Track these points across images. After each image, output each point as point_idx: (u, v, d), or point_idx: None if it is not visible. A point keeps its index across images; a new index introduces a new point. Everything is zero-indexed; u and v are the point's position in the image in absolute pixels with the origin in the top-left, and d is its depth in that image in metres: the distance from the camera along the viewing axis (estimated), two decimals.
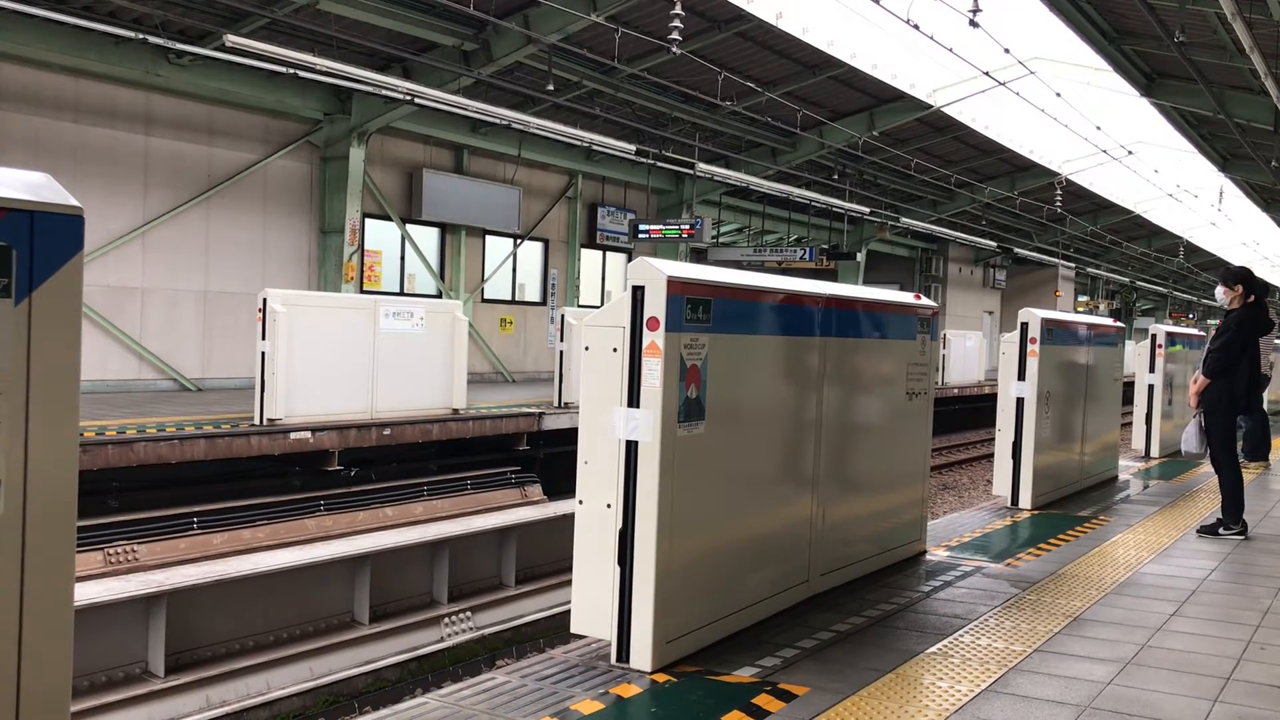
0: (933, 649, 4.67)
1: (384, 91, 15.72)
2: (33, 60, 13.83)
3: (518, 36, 15.64)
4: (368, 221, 18.37)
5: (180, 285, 15.88)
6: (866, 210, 27.30)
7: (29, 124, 14.01)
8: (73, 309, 1.97)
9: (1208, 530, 7.71)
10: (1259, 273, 8.49)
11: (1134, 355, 13.68)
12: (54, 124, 14.28)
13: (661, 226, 22.12)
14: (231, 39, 13.28)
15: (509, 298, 21.85)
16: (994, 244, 35.35)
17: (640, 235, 22.16)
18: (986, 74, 18.49)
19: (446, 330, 13.31)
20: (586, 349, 4.35)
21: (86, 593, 6.79)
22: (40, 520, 1.93)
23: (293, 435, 11.24)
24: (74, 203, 1.97)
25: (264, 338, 11.48)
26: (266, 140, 16.89)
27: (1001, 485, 8.62)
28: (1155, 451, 12.70)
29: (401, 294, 19.00)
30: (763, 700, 3.95)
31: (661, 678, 4.14)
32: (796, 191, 24.92)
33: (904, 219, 29.57)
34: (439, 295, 19.69)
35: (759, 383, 4.92)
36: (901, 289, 28.47)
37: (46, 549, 1.95)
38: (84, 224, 1.99)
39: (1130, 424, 13.37)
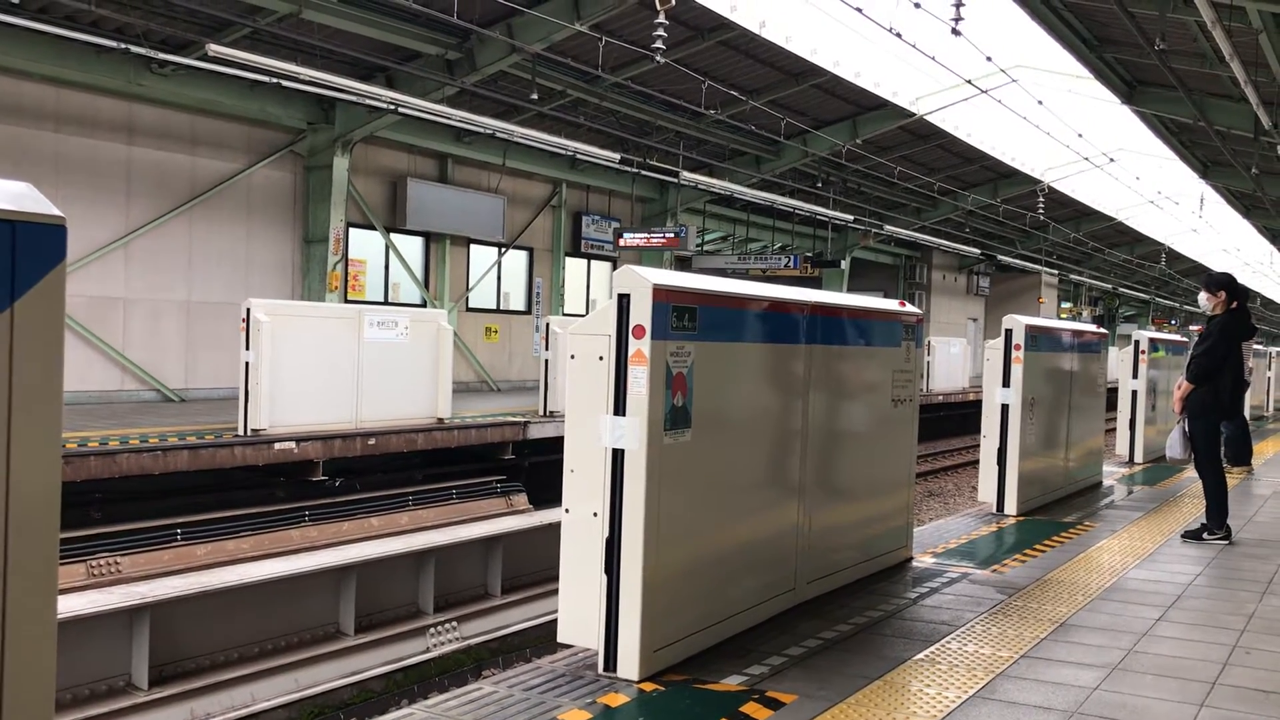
0: (920, 656, 4.68)
1: (368, 101, 15.70)
2: (13, 70, 13.76)
3: (501, 45, 15.64)
4: (352, 231, 18.33)
5: (163, 295, 15.81)
6: (850, 218, 27.38)
7: (9, 133, 13.92)
8: (55, 320, 1.95)
9: (1192, 535, 7.75)
10: (1240, 279, 8.54)
11: (1117, 361, 13.74)
12: (35, 133, 14.21)
13: (645, 235, 22.14)
14: (214, 48, 13.23)
15: (494, 306, 21.82)
16: (977, 251, 35.52)
17: (624, 244, 22.17)
18: (969, 82, 18.58)
19: (431, 339, 13.28)
20: (572, 357, 4.35)
21: (69, 605, 6.74)
22: (22, 532, 1.91)
23: (277, 446, 11.19)
24: (56, 212, 1.95)
25: (248, 348, 11.44)
26: (250, 150, 16.84)
27: (987, 491, 8.63)
28: (1139, 457, 12.75)
29: (386, 303, 18.96)
30: (750, 708, 3.94)
31: (649, 687, 4.13)
32: (780, 199, 24.98)
33: (888, 226, 29.68)
34: (423, 304, 19.65)
35: (745, 390, 4.92)
36: (886, 296, 28.54)
37: (28, 561, 1.93)
38: (66, 234, 1.97)
39: (1114, 430, 13.43)
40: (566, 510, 4.34)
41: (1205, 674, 4.56)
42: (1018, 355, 8.32)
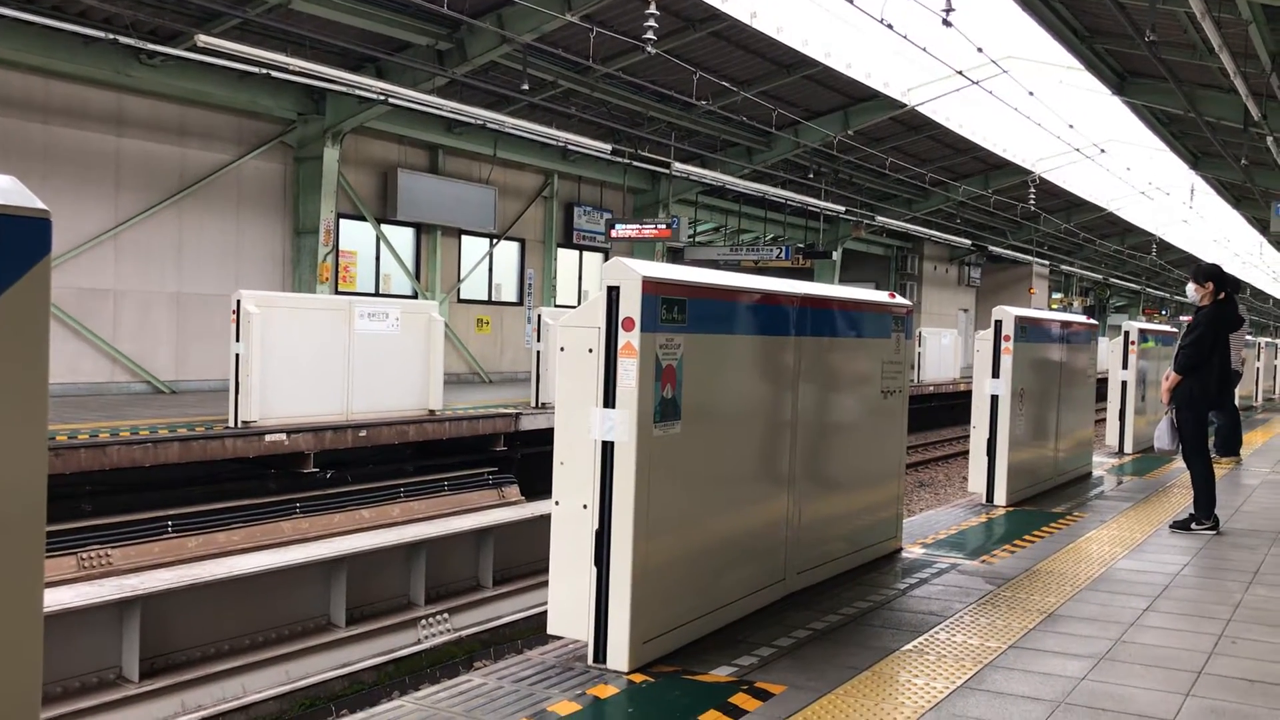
0: (908, 646, 4.69)
1: (358, 91, 15.66)
2: (0, 60, 13.68)
3: (492, 36, 15.60)
4: (342, 222, 18.29)
5: (153, 287, 15.76)
6: (842, 209, 27.39)
7: None
8: (40, 313, 1.95)
9: (1180, 525, 7.78)
10: (1230, 269, 8.57)
11: (1107, 352, 13.78)
12: (23, 125, 14.14)
13: (637, 226, 22.14)
14: (203, 39, 13.18)
15: (485, 298, 21.80)
16: (969, 242, 35.56)
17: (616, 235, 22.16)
18: (960, 73, 18.59)
19: (422, 331, 13.26)
20: (562, 349, 4.35)
21: (59, 598, 6.74)
22: (9, 525, 1.91)
23: (268, 437, 11.17)
24: (41, 206, 1.95)
25: (238, 339, 11.42)
26: (240, 141, 16.78)
27: (977, 482, 8.65)
28: (1129, 447, 12.80)
29: (377, 294, 18.93)
30: (740, 699, 3.95)
31: (638, 678, 4.14)
32: (772, 191, 24.98)
33: (879, 217, 29.71)
34: (415, 296, 19.62)
35: (734, 382, 4.93)
36: (877, 287, 28.62)
37: (15, 554, 1.93)
38: (51, 227, 1.97)
39: (1104, 420, 13.47)
40: (556, 502, 4.34)
41: (1192, 663, 4.59)
42: (1007, 346, 8.33)
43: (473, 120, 17.59)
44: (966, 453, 9.79)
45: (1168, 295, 59.41)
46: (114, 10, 13.79)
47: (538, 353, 14.84)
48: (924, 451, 22.57)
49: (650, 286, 4.13)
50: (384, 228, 19.25)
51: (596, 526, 4.19)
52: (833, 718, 3.81)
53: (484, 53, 16.05)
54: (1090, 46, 17.12)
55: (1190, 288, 7.92)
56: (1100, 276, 49.13)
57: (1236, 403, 13.09)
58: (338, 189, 17.66)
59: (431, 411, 13.23)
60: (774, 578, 5.28)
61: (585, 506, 4.22)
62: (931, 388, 25.35)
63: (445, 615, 9.12)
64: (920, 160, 27.15)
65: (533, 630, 9.10)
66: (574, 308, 5.09)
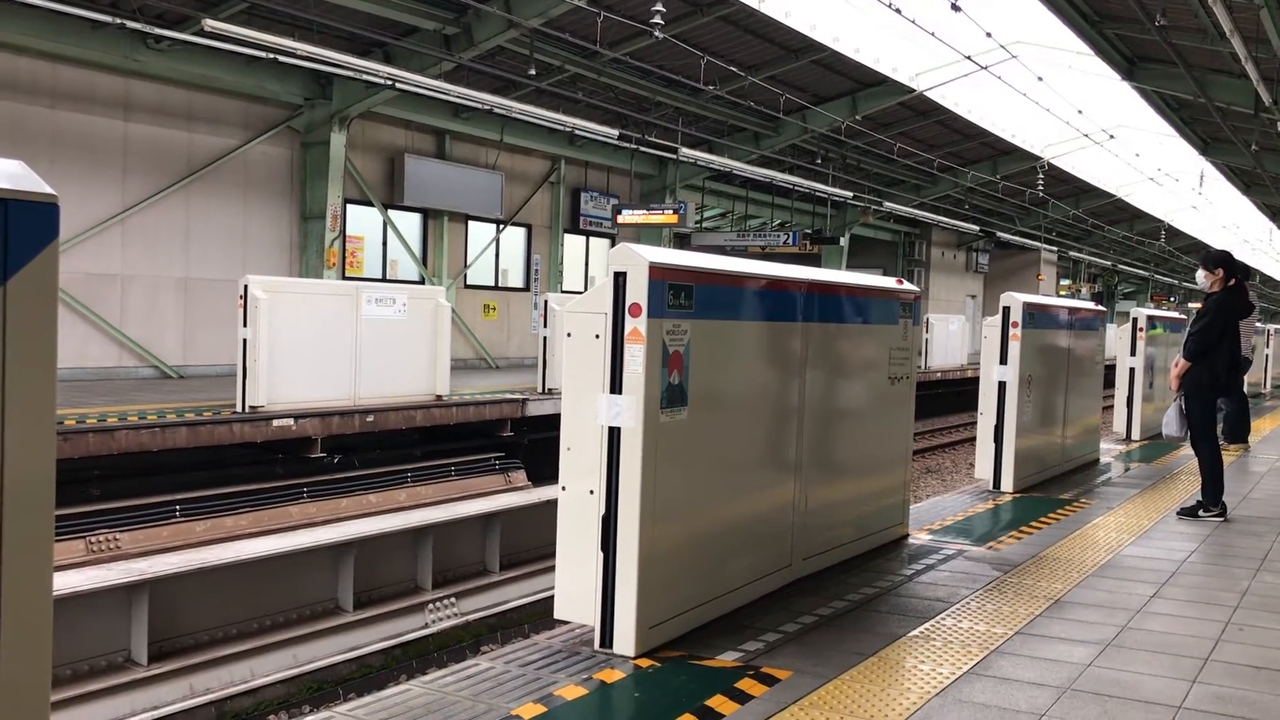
0: (915, 632, 4.70)
1: (365, 76, 15.63)
2: (8, 45, 13.68)
3: (499, 20, 15.56)
4: (349, 207, 18.28)
5: (161, 272, 15.78)
6: (850, 195, 27.31)
7: (5, 109, 13.86)
8: (48, 297, 1.96)
9: (1187, 512, 7.77)
10: (1239, 256, 8.53)
11: (1115, 338, 13.74)
12: (31, 109, 14.14)
13: (644, 211, 22.09)
14: (210, 23, 13.16)
15: (492, 283, 21.79)
16: (977, 228, 35.44)
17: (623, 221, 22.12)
18: (969, 58, 18.50)
19: (429, 316, 13.27)
20: (569, 335, 4.35)
21: (68, 581, 6.77)
22: (18, 510, 1.92)
23: (275, 422, 11.20)
24: (49, 190, 1.95)
25: (245, 324, 11.43)
26: (247, 125, 16.77)
27: (984, 469, 8.66)
28: (1136, 434, 12.78)
29: (384, 280, 18.93)
30: (745, 684, 3.96)
31: (645, 663, 4.15)
32: (780, 176, 24.91)
33: (887, 203, 29.60)
34: (421, 281, 19.62)
35: (741, 368, 4.93)
36: (885, 273, 28.55)
37: (25, 538, 1.94)
38: (59, 212, 1.97)
39: (1112, 407, 13.45)
40: (563, 488, 4.35)
41: (1198, 650, 4.59)
42: (1015, 333, 8.32)
43: (480, 105, 17.55)
44: (973, 439, 9.77)
45: (1176, 282, 59.15)
46: None
47: (544, 338, 14.85)
48: (931, 438, 22.56)
49: (657, 272, 4.12)
50: (391, 213, 19.24)
51: (603, 512, 4.20)
52: (839, 703, 3.82)
53: (491, 37, 16.00)
54: (1100, 31, 17.03)
55: (1200, 274, 7.89)
56: (1109, 263, 48.93)
57: (1245, 390, 13.06)
58: (345, 174, 17.65)
59: (438, 397, 13.25)
60: (780, 563, 5.29)
61: (592, 492, 4.23)
62: (939, 374, 25.31)
63: (452, 600, 9.15)
64: (928, 146, 27.05)
65: (539, 615, 9.13)
66: (581, 294, 5.08)
